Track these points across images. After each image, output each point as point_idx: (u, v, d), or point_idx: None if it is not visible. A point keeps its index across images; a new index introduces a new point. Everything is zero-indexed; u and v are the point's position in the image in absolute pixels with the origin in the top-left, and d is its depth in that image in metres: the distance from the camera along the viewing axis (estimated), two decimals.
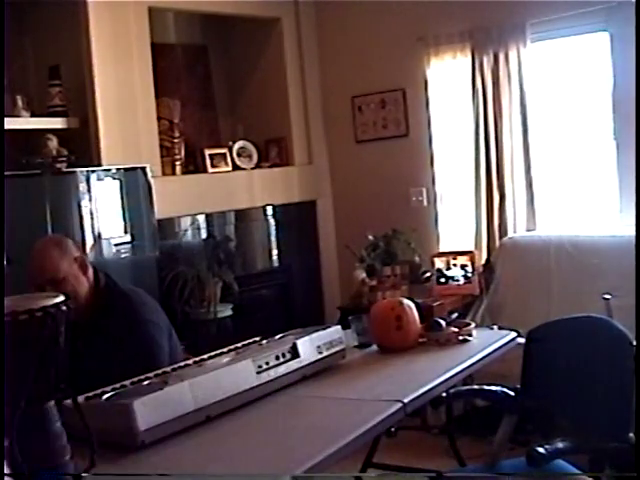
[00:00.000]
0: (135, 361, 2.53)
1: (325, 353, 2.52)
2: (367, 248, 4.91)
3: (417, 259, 4.93)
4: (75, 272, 2.73)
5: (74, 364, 2.38)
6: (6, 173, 3.51)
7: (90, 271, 2.79)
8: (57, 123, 4.16)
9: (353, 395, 2.33)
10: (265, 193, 5.16)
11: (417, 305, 2.89)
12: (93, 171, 4.01)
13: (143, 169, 4.19)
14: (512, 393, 2.66)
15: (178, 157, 4.80)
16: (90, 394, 2.08)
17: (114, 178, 4.09)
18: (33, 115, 4.11)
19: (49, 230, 3.69)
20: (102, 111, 4.22)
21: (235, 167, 5.07)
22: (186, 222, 4.73)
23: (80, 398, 1.89)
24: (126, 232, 4.09)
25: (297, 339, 2.46)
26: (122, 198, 4.09)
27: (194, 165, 4.95)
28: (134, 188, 4.16)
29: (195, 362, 2.40)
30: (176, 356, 2.81)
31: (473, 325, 2.93)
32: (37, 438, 1.67)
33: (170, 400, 2.01)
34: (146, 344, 2.71)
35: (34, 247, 2.81)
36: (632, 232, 4.20)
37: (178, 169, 4.79)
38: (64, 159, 4.06)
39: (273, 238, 5.28)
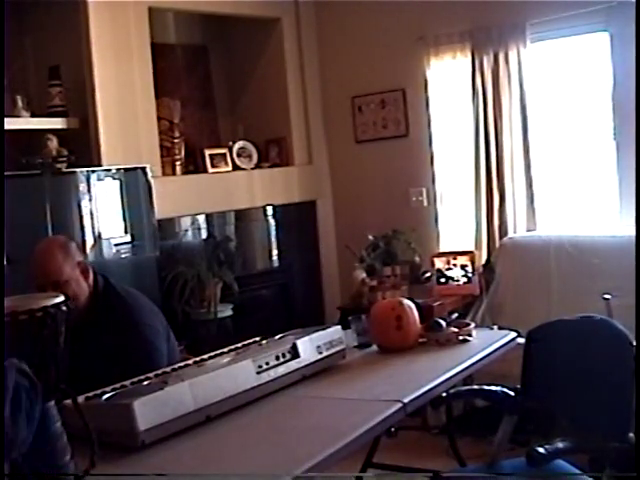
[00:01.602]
0: (133, 365, 2.52)
1: (325, 353, 2.53)
2: (367, 248, 4.90)
3: (417, 259, 4.93)
4: (77, 277, 2.74)
5: (72, 367, 2.41)
6: (6, 173, 3.51)
7: (91, 276, 2.80)
8: (57, 123, 4.16)
9: (353, 395, 2.34)
10: (265, 193, 5.16)
11: (417, 305, 2.90)
12: (93, 171, 4.01)
13: (143, 169, 4.19)
14: (512, 393, 2.66)
15: (178, 157, 4.80)
16: (90, 394, 2.08)
17: (114, 178, 4.08)
18: (33, 115, 4.11)
19: (49, 230, 3.69)
20: (102, 111, 4.22)
21: (235, 167, 5.07)
22: (186, 222, 4.73)
23: (80, 398, 1.89)
24: (126, 232, 4.09)
25: (297, 339, 2.46)
26: (122, 198, 4.09)
27: (194, 165, 4.95)
28: (134, 188, 4.16)
29: (195, 362, 2.40)
30: (174, 358, 2.81)
31: (473, 325, 2.93)
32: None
33: (170, 400, 2.01)
34: (143, 348, 2.70)
35: (38, 247, 2.80)
36: (632, 232, 4.20)
37: (178, 169, 4.79)
38: (64, 159, 4.06)
39: (273, 238, 5.28)
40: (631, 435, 2.32)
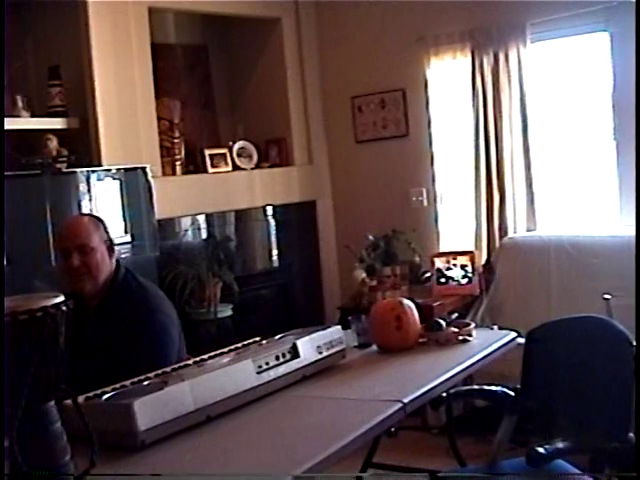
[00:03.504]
0: (146, 348, 2.65)
1: (325, 353, 2.52)
2: (367, 248, 4.90)
3: (417, 259, 4.93)
4: (103, 251, 2.81)
5: (88, 351, 2.52)
6: (6, 173, 3.51)
7: (114, 258, 2.87)
8: (57, 123, 4.15)
9: (353, 395, 2.33)
10: (265, 193, 5.16)
11: (417, 305, 2.90)
12: (93, 171, 4.01)
13: (143, 169, 4.19)
14: (512, 393, 2.66)
15: (178, 157, 4.80)
16: (90, 394, 2.08)
17: (114, 178, 4.08)
18: (33, 115, 4.11)
19: (49, 230, 3.69)
20: (102, 111, 4.22)
21: (235, 167, 5.07)
22: (186, 222, 4.73)
23: (80, 398, 1.89)
24: (126, 232, 4.09)
25: (297, 339, 2.46)
26: (122, 198, 4.09)
27: (194, 165, 4.95)
28: (134, 188, 4.16)
29: (195, 362, 2.40)
30: (182, 354, 2.85)
31: (473, 325, 2.93)
32: (37, 438, 1.67)
33: (170, 400, 2.01)
34: (158, 333, 2.76)
35: (69, 219, 3.01)
36: (632, 232, 4.20)
37: (178, 169, 4.79)
38: (64, 159, 4.06)
39: (273, 238, 5.28)
40: (631, 435, 2.32)
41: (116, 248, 2.91)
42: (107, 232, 2.89)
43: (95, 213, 3.94)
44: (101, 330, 2.76)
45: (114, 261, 2.87)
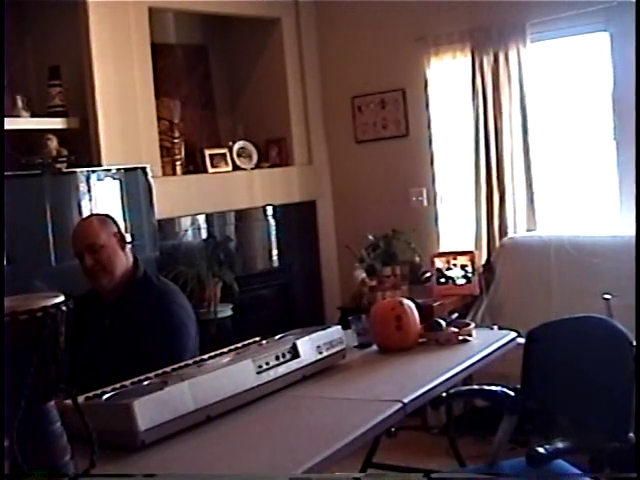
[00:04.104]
0: (162, 338, 2.74)
1: (325, 353, 2.52)
2: (367, 248, 4.90)
3: (417, 259, 4.93)
4: (113, 245, 2.89)
5: (102, 341, 2.71)
6: (6, 173, 3.51)
7: (128, 249, 2.96)
8: (57, 123, 4.16)
9: (353, 395, 2.33)
10: (265, 193, 5.16)
11: (417, 305, 2.90)
12: (93, 171, 4.01)
13: (143, 169, 4.19)
14: (512, 393, 2.66)
15: (178, 157, 4.80)
16: (90, 394, 2.08)
17: (114, 178, 4.08)
18: (33, 115, 4.11)
19: (49, 230, 3.69)
20: (102, 111, 4.22)
21: (235, 167, 5.07)
22: (186, 222, 4.73)
23: (80, 398, 1.89)
24: (126, 232, 4.08)
25: (297, 339, 2.46)
26: (122, 198, 4.08)
27: (194, 165, 4.95)
28: (134, 188, 4.16)
29: (195, 362, 2.41)
30: (196, 350, 2.88)
31: (473, 325, 2.93)
32: (37, 438, 1.67)
33: (170, 400, 2.01)
34: (175, 324, 2.83)
35: (77, 223, 3.10)
36: (632, 232, 4.20)
37: (178, 169, 4.79)
38: (64, 159, 4.06)
39: (273, 238, 5.28)
40: (631, 435, 2.32)
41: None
42: (117, 226, 2.97)
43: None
44: (119, 322, 2.83)
45: (129, 254, 2.96)
